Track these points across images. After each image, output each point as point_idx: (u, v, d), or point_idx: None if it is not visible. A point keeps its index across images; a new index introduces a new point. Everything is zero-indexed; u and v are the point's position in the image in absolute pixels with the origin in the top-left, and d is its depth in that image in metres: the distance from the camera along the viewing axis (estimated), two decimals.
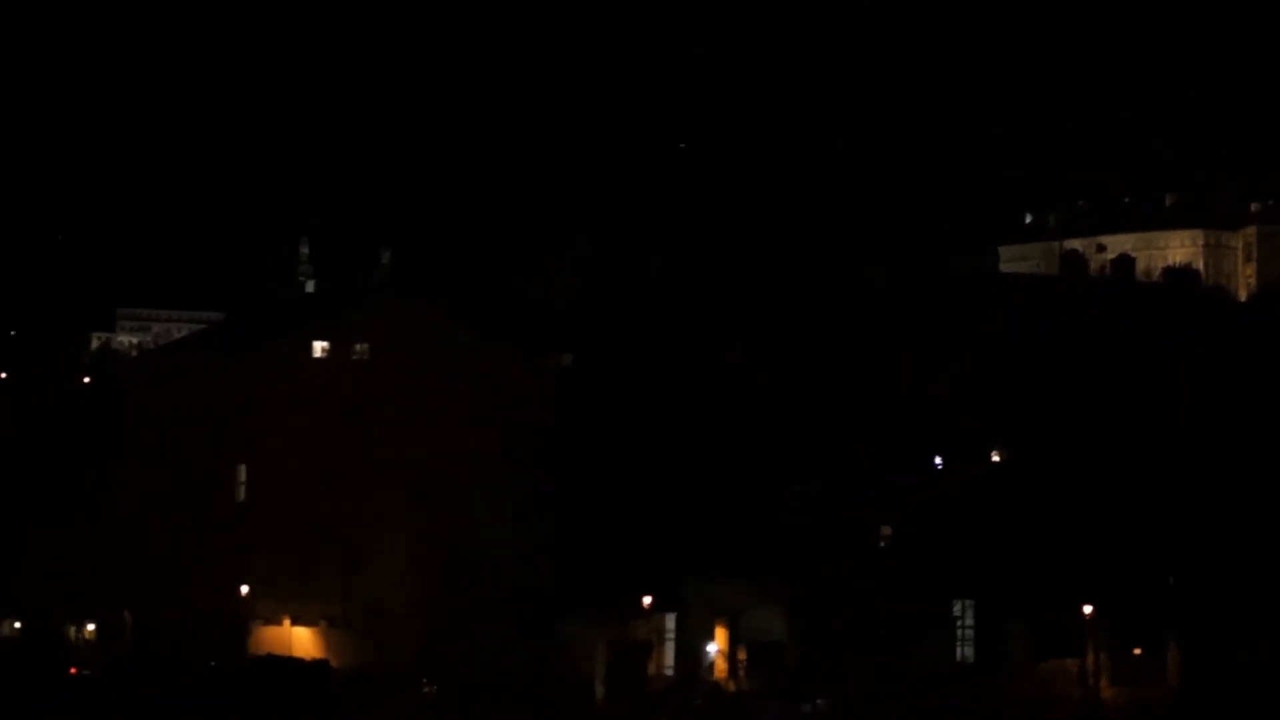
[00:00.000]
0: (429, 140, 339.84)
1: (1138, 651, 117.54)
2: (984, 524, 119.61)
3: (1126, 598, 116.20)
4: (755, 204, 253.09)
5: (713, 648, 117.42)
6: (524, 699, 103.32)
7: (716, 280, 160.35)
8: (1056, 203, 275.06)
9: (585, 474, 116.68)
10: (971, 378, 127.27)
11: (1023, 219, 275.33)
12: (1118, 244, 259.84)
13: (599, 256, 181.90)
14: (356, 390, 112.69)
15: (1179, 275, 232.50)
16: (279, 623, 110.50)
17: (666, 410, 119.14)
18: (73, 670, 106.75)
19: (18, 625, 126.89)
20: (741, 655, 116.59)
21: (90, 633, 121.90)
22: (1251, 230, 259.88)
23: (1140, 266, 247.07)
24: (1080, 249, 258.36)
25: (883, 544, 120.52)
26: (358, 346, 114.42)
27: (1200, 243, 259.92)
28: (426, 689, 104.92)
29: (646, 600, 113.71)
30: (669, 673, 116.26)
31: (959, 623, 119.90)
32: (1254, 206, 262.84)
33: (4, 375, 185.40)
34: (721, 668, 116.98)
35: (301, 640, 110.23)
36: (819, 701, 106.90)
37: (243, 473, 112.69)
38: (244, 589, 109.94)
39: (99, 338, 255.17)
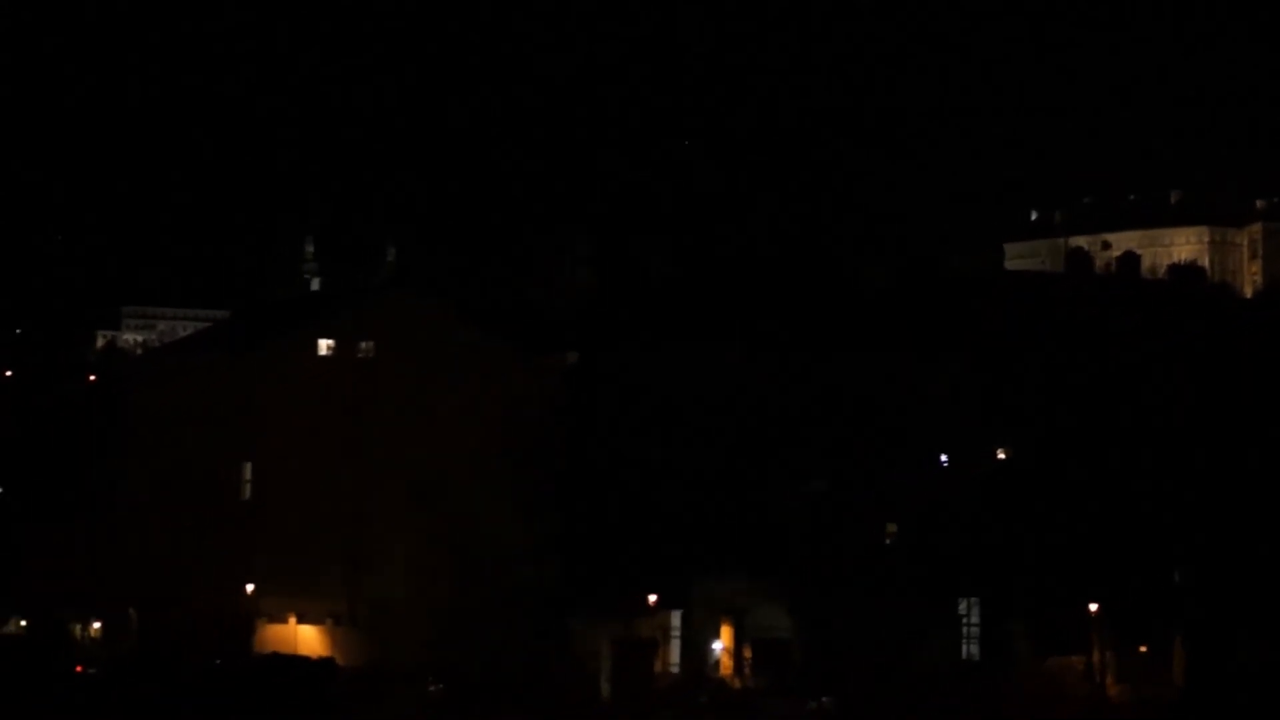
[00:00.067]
0: (429, 140, 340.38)
1: (1143, 649, 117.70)
2: (986, 523, 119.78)
3: (1129, 596, 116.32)
4: (755, 204, 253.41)
5: (718, 645, 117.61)
6: (529, 697, 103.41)
7: (716, 280, 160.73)
8: (1062, 200, 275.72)
9: (588, 473, 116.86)
10: (972, 377, 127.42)
11: (1028, 216, 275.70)
12: (1123, 241, 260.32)
13: (599, 256, 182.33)
14: (360, 389, 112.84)
15: (1184, 272, 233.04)
16: (284, 621, 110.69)
17: (667, 410, 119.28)
18: (78, 669, 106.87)
19: (23, 624, 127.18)
20: (747, 653, 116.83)
21: (96, 631, 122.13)
22: (1257, 227, 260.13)
23: (1145, 264, 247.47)
24: (1085, 246, 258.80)
25: (888, 541, 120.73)
26: (362, 345, 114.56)
27: (1205, 240, 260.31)
28: (432, 687, 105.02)
29: (651, 598, 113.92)
30: (674, 670, 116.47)
31: (964, 621, 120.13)
32: (1259, 203, 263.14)
33: (9, 374, 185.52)
34: (727, 665, 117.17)
35: (307, 638, 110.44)
36: (824, 699, 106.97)
37: (247, 471, 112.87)
38: (249, 587, 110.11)
39: (104, 336, 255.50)
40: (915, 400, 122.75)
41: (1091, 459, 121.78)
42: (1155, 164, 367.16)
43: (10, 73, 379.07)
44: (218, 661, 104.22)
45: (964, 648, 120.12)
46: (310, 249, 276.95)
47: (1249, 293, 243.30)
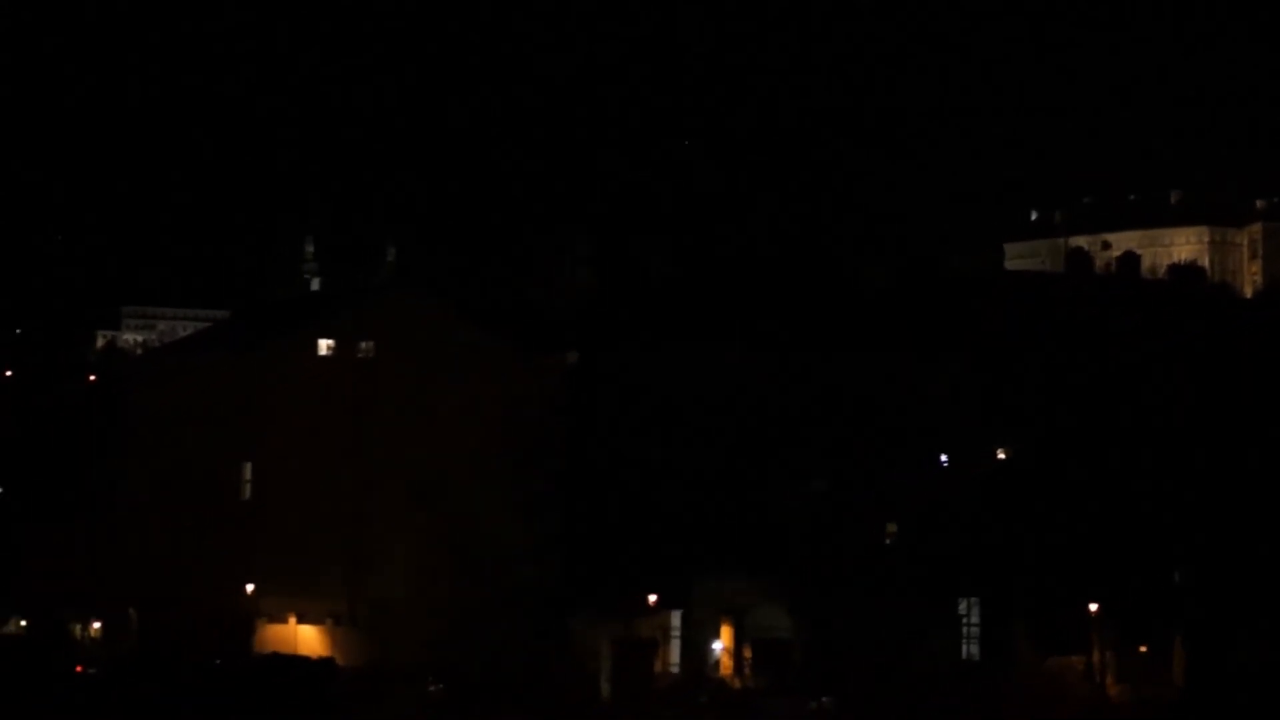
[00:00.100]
0: (429, 140, 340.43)
1: (1143, 649, 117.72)
2: (986, 523, 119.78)
3: (1129, 596, 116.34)
4: (755, 204, 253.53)
5: (718, 645, 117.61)
6: (529, 697, 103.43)
7: (716, 280, 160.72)
8: (1062, 200, 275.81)
9: (588, 473, 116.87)
10: (972, 377, 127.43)
11: (1028, 216, 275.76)
12: (1123, 241, 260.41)
13: (599, 256, 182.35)
14: (360, 389, 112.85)
15: (1184, 272, 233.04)
16: (284, 621, 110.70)
17: (667, 410, 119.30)
18: (78, 669, 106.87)
19: (23, 624, 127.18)
20: (747, 652, 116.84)
21: (96, 631, 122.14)
22: (1257, 227, 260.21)
23: (1145, 264, 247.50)
24: (1086, 246, 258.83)
25: (888, 541, 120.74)
26: (362, 345, 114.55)
27: (1205, 239, 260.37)
28: (432, 687, 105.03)
29: (651, 598, 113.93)
30: (674, 670, 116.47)
31: (964, 621, 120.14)
32: (1259, 203, 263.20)
33: (9, 374, 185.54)
34: (727, 665, 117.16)
35: (307, 638, 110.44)
36: (824, 699, 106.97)
37: (247, 471, 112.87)
38: (249, 587, 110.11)
39: (104, 336, 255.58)
40: (915, 400, 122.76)
41: (1091, 459, 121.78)
42: (1155, 164, 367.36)
43: (10, 73, 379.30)
44: (218, 661, 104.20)
45: (964, 648, 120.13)
46: (310, 249, 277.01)
47: (1249, 293, 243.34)
